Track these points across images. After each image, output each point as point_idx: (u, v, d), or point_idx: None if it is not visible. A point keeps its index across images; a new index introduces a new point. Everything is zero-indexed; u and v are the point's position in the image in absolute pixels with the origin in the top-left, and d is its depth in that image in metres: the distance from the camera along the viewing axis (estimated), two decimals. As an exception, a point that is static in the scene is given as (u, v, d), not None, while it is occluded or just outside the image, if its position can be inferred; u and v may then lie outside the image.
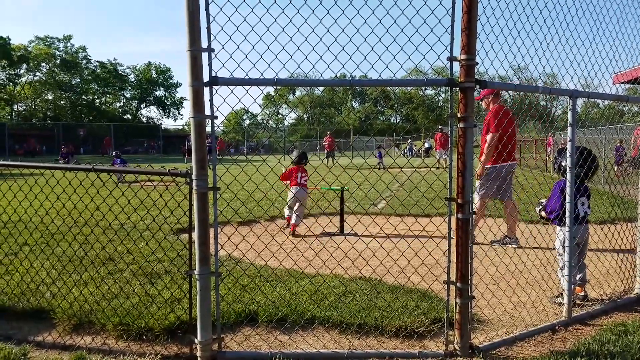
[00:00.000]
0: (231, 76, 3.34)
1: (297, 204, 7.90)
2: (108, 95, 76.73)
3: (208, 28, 3.25)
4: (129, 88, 77.74)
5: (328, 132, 34.33)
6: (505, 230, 7.18)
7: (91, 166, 3.84)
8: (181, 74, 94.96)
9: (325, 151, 31.84)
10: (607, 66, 4.76)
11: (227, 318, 4.13)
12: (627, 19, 4.77)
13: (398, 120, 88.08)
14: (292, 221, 7.96)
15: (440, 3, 3.33)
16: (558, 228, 4.74)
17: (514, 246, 6.92)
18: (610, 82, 5.35)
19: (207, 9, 3.23)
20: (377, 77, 3.56)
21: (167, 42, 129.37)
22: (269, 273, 5.32)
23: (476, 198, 6.83)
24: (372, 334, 3.95)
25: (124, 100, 79.36)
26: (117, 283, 4.98)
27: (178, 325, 3.97)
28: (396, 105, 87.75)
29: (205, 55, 3.27)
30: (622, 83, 11.01)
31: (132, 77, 77.31)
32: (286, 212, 8.38)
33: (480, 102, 7.40)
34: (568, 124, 4.28)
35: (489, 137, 6.89)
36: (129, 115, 77.66)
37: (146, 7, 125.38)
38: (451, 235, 3.65)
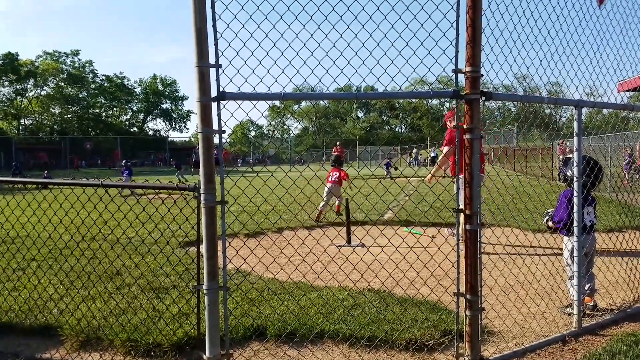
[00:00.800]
0: (238, 91, 3.35)
1: (326, 196, 10.70)
2: (115, 109, 77.40)
3: (216, 44, 3.27)
4: (136, 101, 78.39)
5: (337, 143, 34.17)
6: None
7: (99, 182, 3.85)
8: (185, 83, 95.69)
9: None
10: (612, 75, 4.78)
11: (235, 333, 4.12)
12: (630, 29, 4.79)
13: (403, 130, 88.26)
14: (319, 207, 10.40)
15: (445, 16, 3.35)
16: (566, 238, 4.72)
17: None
18: (615, 90, 5.35)
19: (214, 25, 3.25)
20: (382, 89, 3.57)
21: (172, 52, 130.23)
22: (277, 286, 5.30)
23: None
24: (382, 348, 3.93)
25: (131, 113, 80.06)
26: (125, 298, 4.98)
27: (186, 341, 3.96)
28: (401, 115, 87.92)
29: (212, 71, 3.29)
30: (627, 91, 10.99)
31: (138, 90, 78.02)
32: (321, 205, 10.51)
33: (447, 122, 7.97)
34: (574, 134, 4.27)
35: (445, 148, 7.40)
36: (135, 128, 78.23)
37: (148, 12, 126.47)
38: (460, 247, 3.64)
